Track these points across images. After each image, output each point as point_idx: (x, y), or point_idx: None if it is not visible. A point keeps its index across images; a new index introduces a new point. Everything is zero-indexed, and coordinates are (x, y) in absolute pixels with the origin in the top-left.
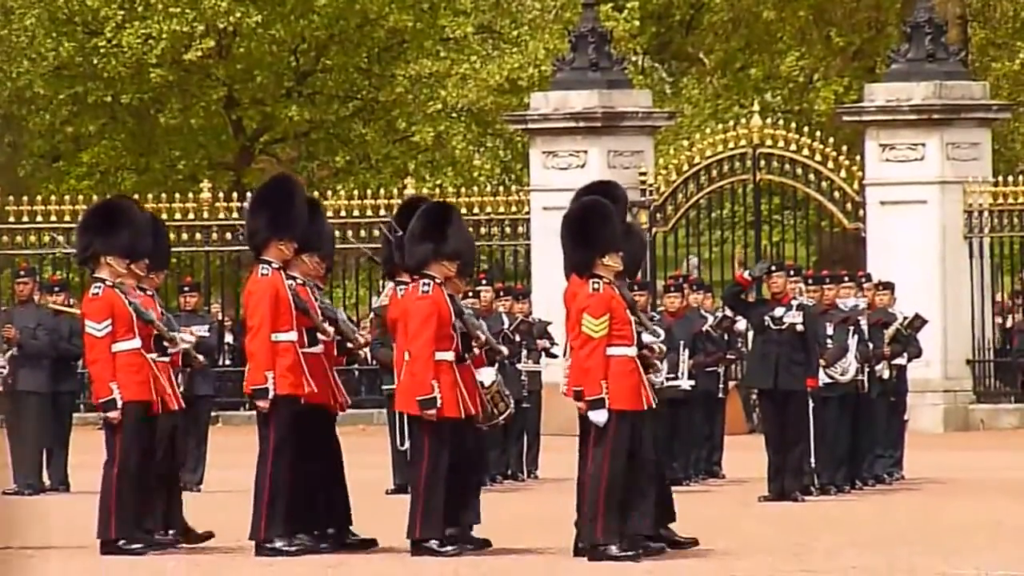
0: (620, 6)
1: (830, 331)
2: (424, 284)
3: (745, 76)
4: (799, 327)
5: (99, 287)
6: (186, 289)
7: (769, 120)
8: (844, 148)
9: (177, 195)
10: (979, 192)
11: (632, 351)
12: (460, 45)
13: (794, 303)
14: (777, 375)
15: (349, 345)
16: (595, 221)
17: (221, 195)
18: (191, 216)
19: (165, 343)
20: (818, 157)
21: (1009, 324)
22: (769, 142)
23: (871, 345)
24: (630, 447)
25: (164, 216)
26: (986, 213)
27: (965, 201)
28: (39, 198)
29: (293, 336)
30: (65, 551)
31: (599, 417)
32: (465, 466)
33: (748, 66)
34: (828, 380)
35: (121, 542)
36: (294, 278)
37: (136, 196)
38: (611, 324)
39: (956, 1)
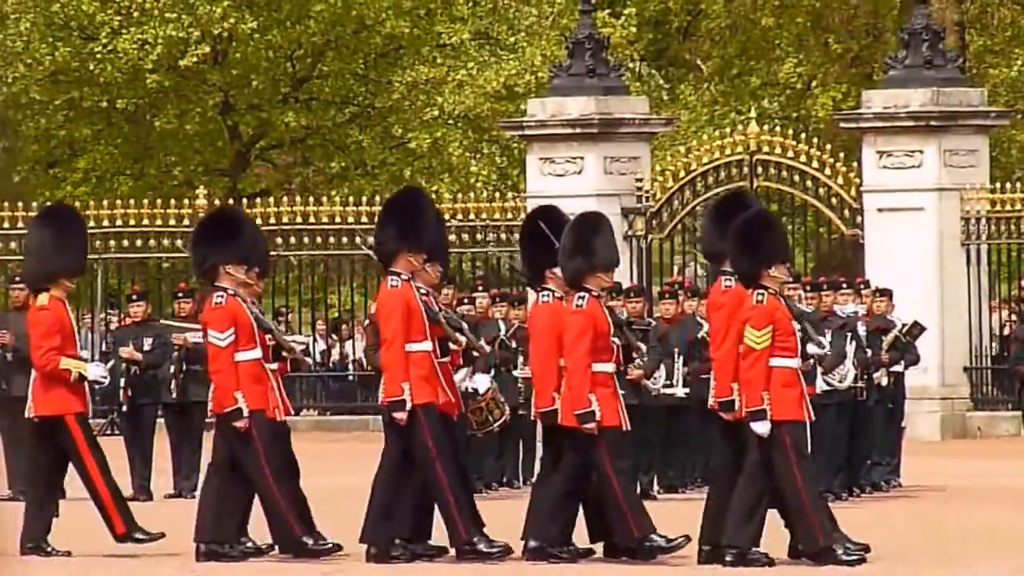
0: (617, 12)
1: (828, 338)
2: (579, 298)
3: (742, 82)
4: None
5: (222, 296)
6: (180, 295)
7: (766, 126)
8: (842, 155)
9: (173, 201)
10: (977, 199)
11: (795, 363)
12: (457, 51)
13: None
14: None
15: (284, 353)
16: (762, 231)
17: (217, 201)
18: (186, 222)
19: (284, 353)
20: (815, 164)
21: (1007, 331)
22: (766, 148)
23: (869, 352)
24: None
25: (159, 222)
26: (983, 220)
27: (963, 208)
28: (35, 204)
29: (427, 346)
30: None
31: (762, 428)
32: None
33: (745, 72)
34: (826, 387)
35: (225, 546)
36: (417, 288)
37: (131, 201)
38: (774, 335)
39: (954, 8)
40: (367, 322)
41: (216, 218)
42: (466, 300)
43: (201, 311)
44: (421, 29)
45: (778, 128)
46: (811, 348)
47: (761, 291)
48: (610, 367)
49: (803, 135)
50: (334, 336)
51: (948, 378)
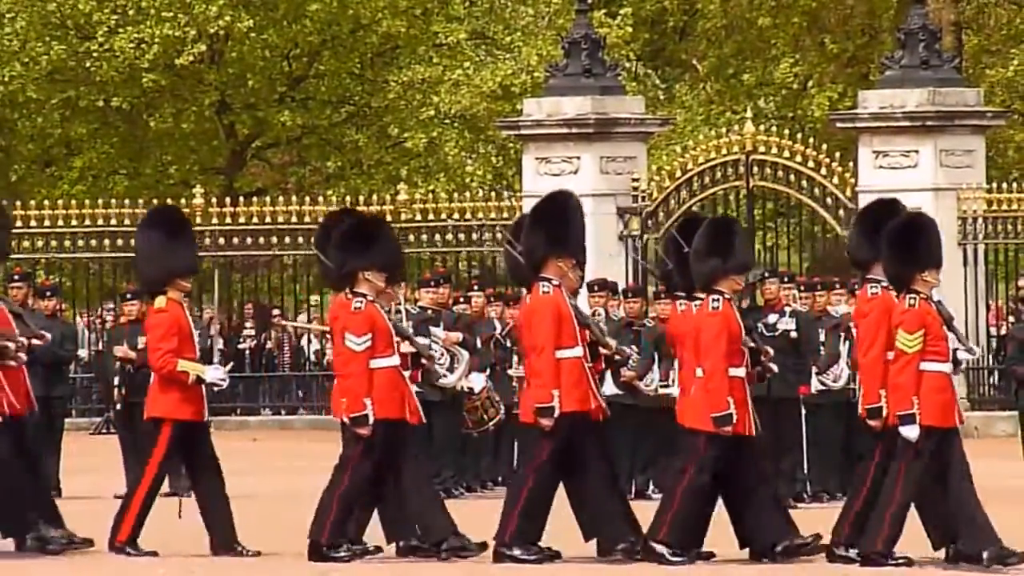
0: (613, 12)
1: (823, 338)
2: (714, 300)
3: (738, 82)
4: (792, 334)
5: (361, 301)
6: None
7: (762, 126)
8: (837, 155)
9: (169, 200)
10: (973, 199)
11: (947, 367)
12: (453, 51)
13: (787, 310)
14: (770, 382)
15: (423, 360)
16: (916, 236)
17: (213, 200)
18: None
19: (423, 360)
20: (811, 164)
21: (1003, 331)
22: (762, 148)
23: None
24: (937, 464)
25: None
26: (980, 220)
27: (959, 208)
28: (32, 203)
29: (579, 351)
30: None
31: (911, 433)
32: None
33: (741, 72)
34: (821, 387)
35: (328, 549)
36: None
37: (127, 201)
38: (926, 340)
39: (950, 8)
40: None
41: (357, 224)
42: (461, 299)
43: (328, 315)
44: (417, 29)
45: (774, 128)
46: (961, 354)
47: (913, 295)
48: (742, 371)
49: (799, 135)
50: (329, 336)
51: None
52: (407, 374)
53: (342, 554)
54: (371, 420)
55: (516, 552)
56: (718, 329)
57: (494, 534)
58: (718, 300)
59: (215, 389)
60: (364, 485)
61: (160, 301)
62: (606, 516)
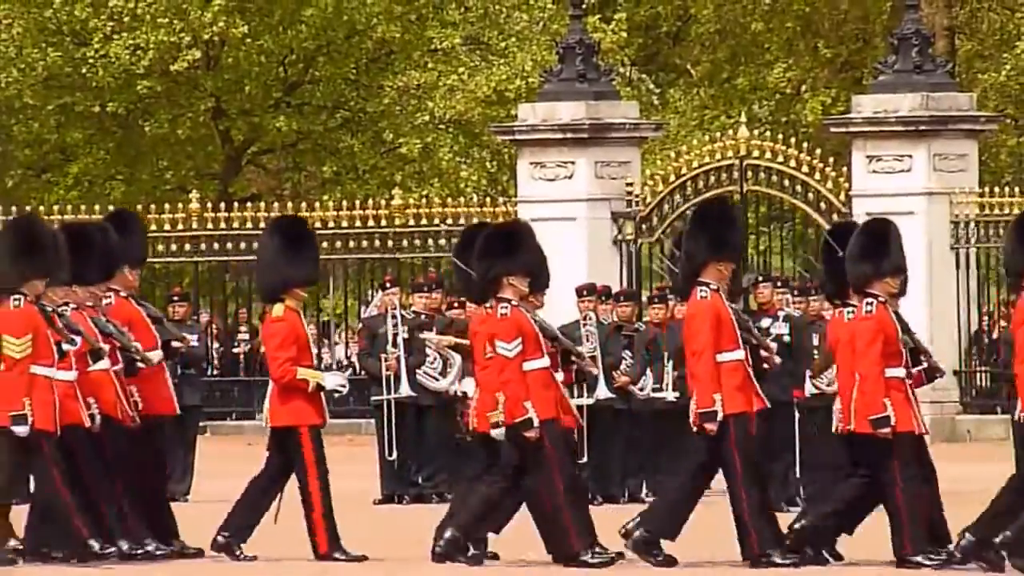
0: (608, 18)
1: (816, 342)
2: (867, 304)
3: (732, 87)
4: (786, 338)
5: (506, 307)
6: (175, 299)
7: (756, 131)
8: (831, 159)
9: (166, 205)
10: (966, 203)
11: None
12: (448, 56)
13: (781, 314)
14: (763, 386)
15: (573, 359)
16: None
17: (209, 205)
18: (180, 226)
19: (573, 357)
20: (805, 168)
21: (996, 335)
22: (756, 153)
23: None
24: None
25: (152, 227)
26: (973, 224)
27: (952, 212)
28: (28, 209)
29: (740, 355)
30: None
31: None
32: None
33: (735, 77)
34: (814, 391)
35: (584, 554)
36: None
37: (124, 206)
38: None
39: (943, 13)
40: (359, 326)
41: (501, 230)
42: (456, 305)
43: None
44: (412, 34)
45: (768, 133)
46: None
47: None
48: (901, 372)
49: (793, 140)
50: (325, 341)
51: (937, 381)
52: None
53: (592, 559)
54: (536, 422)
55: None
56: (873, 333)
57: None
58: (871, 304)
59: (335, 396)
60: (576, 480)
61: (277, 309)
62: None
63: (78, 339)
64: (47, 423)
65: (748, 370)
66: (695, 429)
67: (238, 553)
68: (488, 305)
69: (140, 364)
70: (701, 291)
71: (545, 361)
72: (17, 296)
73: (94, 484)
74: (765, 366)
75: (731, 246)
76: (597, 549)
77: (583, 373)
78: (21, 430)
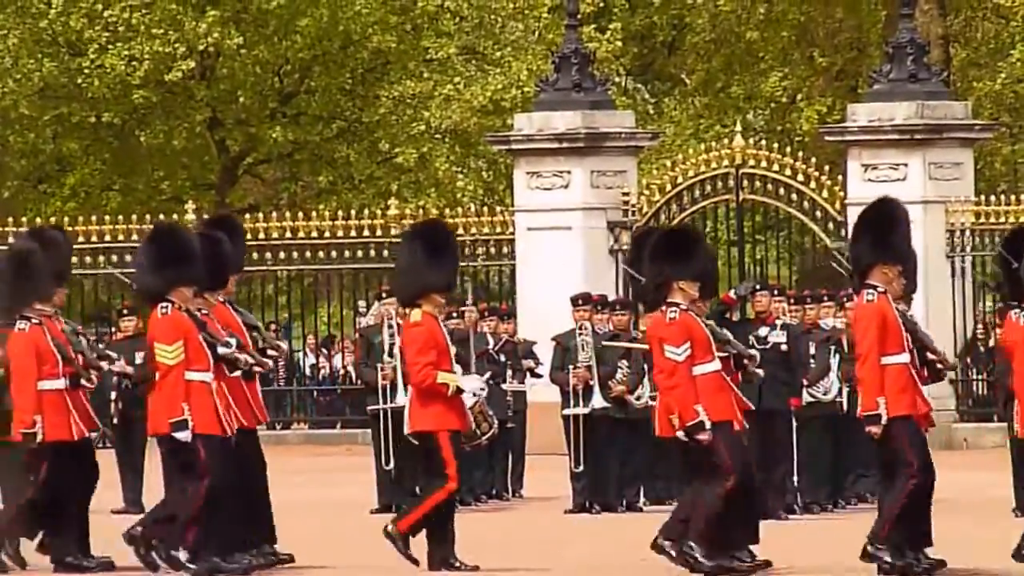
0: (603, 27)
1: (812, 351)
2: (868, 293)
3: (727, 96)
4: (783, 347)
5: (675, 312)
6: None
7: (751, 140)
8: (826, 168)
9: (161, 216)
10: (962, 211)
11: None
12: (443, 66)
13: (778, 323)
14: (761, 394)
15: (745, 362)
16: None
17: (205, 216)
18: None
19: (745, 361)
20: (800, 177)
21: (992, 343)
22: (752, 162)
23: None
24: None
25: None
26: (968, 232)
27: (948, 220)
28: (24, 220)
29: (905, 358)
30: None
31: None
32: None
33: (730, 86)
34: (811, 399)
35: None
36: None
37: (120, 217)
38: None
39: (938, 21)
40: (356, 335)
41: (671, 236)
42: (455, 314)
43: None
44: (408, 44)
45: (763, 141)
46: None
47: None
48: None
49: (788, 148)
50: (324, 350)
51: (934, 390)
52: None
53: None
54: (708, 425)
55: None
56: (868, 319)
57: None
58: (872, 293)
59: (474, 397)
60: (748, 483)
61: (416, 315)
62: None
63: (232, 342)
64: (208, 427)
65: (912, 373)
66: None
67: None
68: (660, 309)
69: (257, 369)
70: (868, 294)
71: (715, 364)
72: (165, 304)
73: (250, 486)
74: (939, 366)
75: (897, 249)
76: (744, 555)
77: (750, 375)
78: (183, 436)
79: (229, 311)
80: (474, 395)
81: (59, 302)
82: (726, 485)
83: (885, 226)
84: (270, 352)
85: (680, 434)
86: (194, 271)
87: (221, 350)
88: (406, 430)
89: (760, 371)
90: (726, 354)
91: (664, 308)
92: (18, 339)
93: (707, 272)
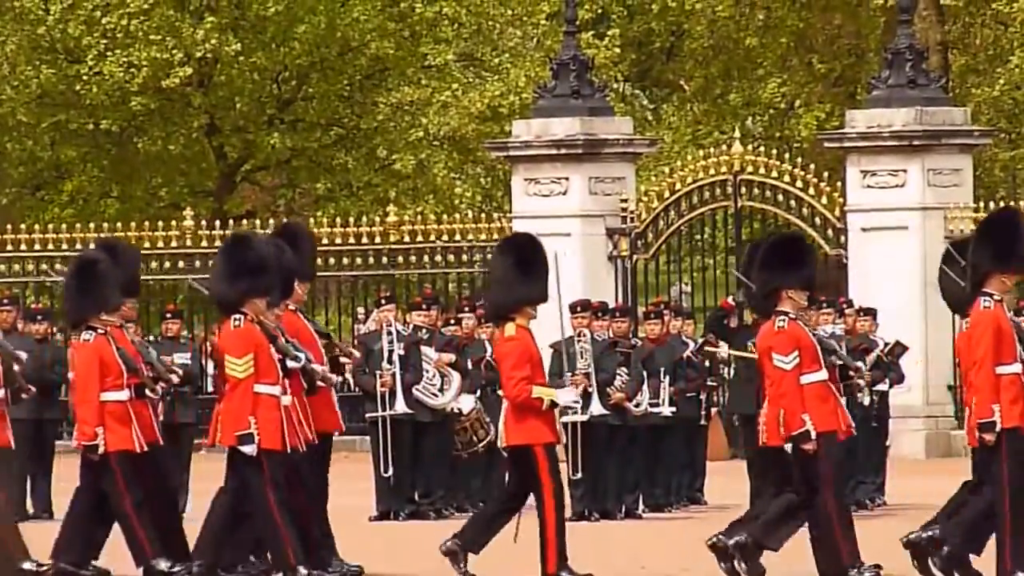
0: (601, 33)
1: None
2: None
3: (725, 103)
4: None
5: (784, 320)
6: (168, 316)
7: (750, 146)
8: (825, 174)
9: (160, 223)
10: (960, 218)
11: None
12: (441, 73)
13: None
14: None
15: (852, 373)
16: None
17: (203, 222)
18: (173, 244)
19: (851, 372)
20: (799, 183)
21: None
22: (750, 168)
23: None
24: None
25: (147, 244)
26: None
27: (946, 227)
28: (22, 227)
29: (1017, 368)
30: None
31: None
32: None
33: (728, 92)
34: None
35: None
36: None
37: (118, 224)
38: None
39: (936, 28)
40: (355, 342)
41: (780, 244)
42: (452, 321)
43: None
44: (406, 51)
45: (762, 148)
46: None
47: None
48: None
49: (787, 155)
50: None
51: (933, 396)
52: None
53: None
54: (813, 435)
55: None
56: (984, 329)
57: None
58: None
59: (569, 411)
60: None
61: (510, 329)
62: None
63: (303, 356)
64: (272, 442)
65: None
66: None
67: (463, 567)
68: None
69: (320, 384)
70: (984, 301)
71: (822, 374)
72: (237, 316)
73: (303, 508)
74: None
75: (1017, 257)
76: (865, 566)
77: (853, 388)
78: (248, 449)
79: (299, 319)
80: (473, 403)
81: (128, 313)
82: (826, 496)
83: (1006, 234)
84: (342, 359)
85: (787, 446)
86: (268, 282)
87: (290, 364)
88: (501, 444)
89: (862, 381)
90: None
91: (773, 317)
92: (82, 350)
93: (813, 280)
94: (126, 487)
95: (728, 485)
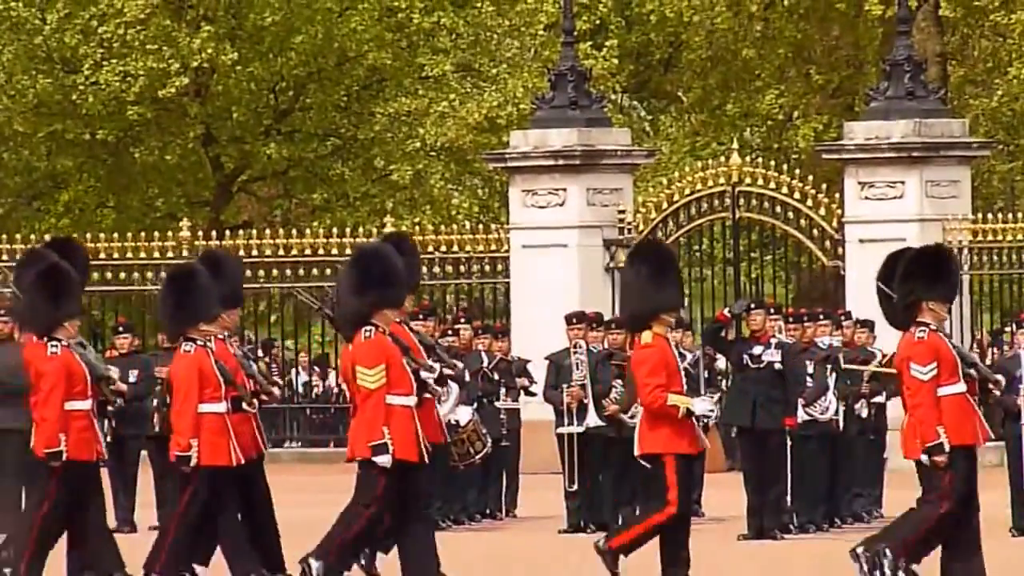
0: (599, 44)
1: (810, 369)
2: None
3: (723, 114)
4: (777, 365)
5: (924, 331)
6: None
7: (748, 158)
8: (823, 186)
9: (156, 233)
10: (959, 229)
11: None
12: (439, 83)
13: (773, 341)
14: (755, 413)
15: (990, 386)
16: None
17: (200, 233)
18: (170, 254)
19: (990, 385)
20: (797, 195)
21: (989, 362)
22: (748, 180)
23: (849, 383)
24: None
25: (143, 254)
26: (966, 251)
27: (945, 238)
28: (18, 237)
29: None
30: None
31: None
32: None
33: (726, 104)
34: (807, 418)
35: None
36: None
37: (115, 234)
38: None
39: (935, 39)
40: None
41: (926, 255)
42: (449, 332)
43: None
44: (403, 61)
45: (760, 159)
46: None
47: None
48: None
49: (784, 166)
50: (317, 368)
51: None
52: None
53: None
54: (947, 448)
55: None
56: None
57: None
58: None
59: (705, 420)
60: (961, 510)
61: (647, 336)
62: None
63: (437, 367)
64: (407, 453)
65: None
66: None
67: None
68: (910, 329)
69: (427, 395)
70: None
71: (961, 387)
72: (368, 327)
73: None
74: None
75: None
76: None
77: (994, 400)
78: (383, 460)
79: (405, 330)
80: (470, 414)
81: (229, 324)
82: (941, 508)
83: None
84: (445, 372)
85: (924, 457)
86: (397, 293)
87: (424, 375)
88: (635, 452)
89: (998, 392)
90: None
91: (913, 328)
92: (181, 361)
93: (954, 292)
94: (204, 499)
95: (725, 497)
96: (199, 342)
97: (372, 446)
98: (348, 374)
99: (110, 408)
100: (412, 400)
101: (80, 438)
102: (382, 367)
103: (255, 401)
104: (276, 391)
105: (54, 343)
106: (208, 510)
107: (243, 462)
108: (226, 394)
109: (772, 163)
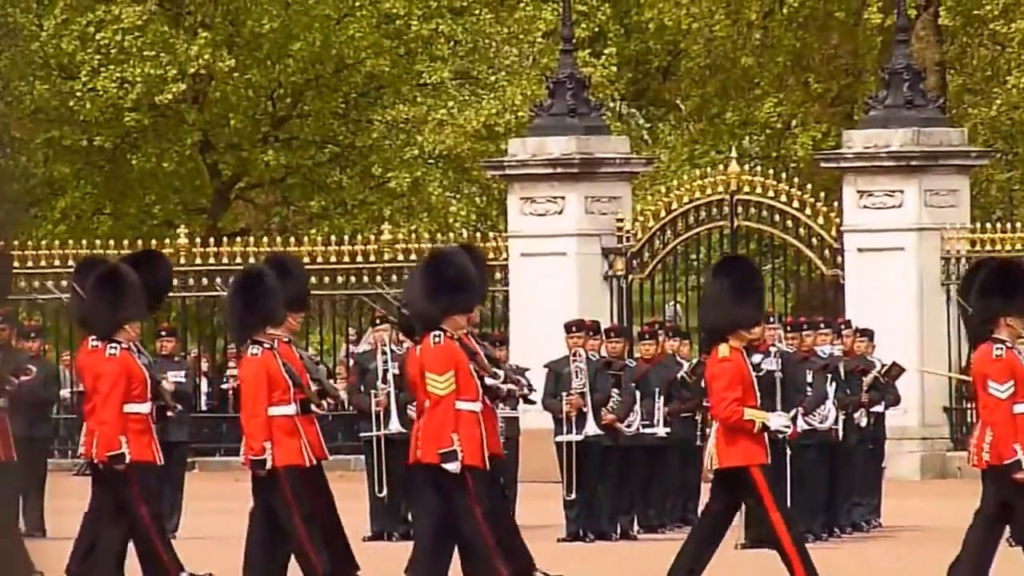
0: (598, 52)
1: (809, 378)
2: None
3: (721, 122)
4: (777, 374)
5: (1001, 348)
6: (163, 334)
7: (747, 166)
8: (822, 194)
9: (153, 240)
10: (957, 238)
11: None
12: (437, 91)
13: (772, 350)
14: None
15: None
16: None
17: (197, 240)
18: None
19: None
20: (796, 203)
21: None
22: (747, 188)
23: (848, 392)
24: None
25: None
26: (964, 260)
27: (943, 247)
28: (15, 243)
29: None
30: None
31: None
32: None
33: (725, 112)
34: (807, 427)
35: None
36: None
37: (111, 241)
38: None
39: (934, 48)
40: (351, 362)
41: (1005, 269)
42: None
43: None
44: (401, 68)
45: (758, 168)
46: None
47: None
48: None
49: (783, 175)
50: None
51: (928, 418)
52: None
53: None
54: (1023, 464)
55: None
56: None
57: None
58: None
59: (779, 436)
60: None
61: (723, 350)
62: None
63: (501, 373)
64: (475, 459)
65: None
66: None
67: None
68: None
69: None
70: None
71: None
72: (438, 333)
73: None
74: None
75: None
76: None
77: None
78: (452, 466)
79: (468, 337)
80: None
81: (294, 327)
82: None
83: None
84: (507, 387)
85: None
86: (469, 299)
87: (489, 381)
88: (714, 465)
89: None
90: None
91: (990, 343)
92: (249, 364)
93: None
94: (295, 500)
95: None
96: (266, 345)
97: (441, 453)
98: (417, 379)
99: (169, 414)
100: (478, 406)
101: (139, 441)
102: (451, 373)
103: (323, 403)
104: (343, 395)
105: (113, 345)
106: (272, 518)
107: (315, 463)
108: (295, 396)
109: (771, 172)
